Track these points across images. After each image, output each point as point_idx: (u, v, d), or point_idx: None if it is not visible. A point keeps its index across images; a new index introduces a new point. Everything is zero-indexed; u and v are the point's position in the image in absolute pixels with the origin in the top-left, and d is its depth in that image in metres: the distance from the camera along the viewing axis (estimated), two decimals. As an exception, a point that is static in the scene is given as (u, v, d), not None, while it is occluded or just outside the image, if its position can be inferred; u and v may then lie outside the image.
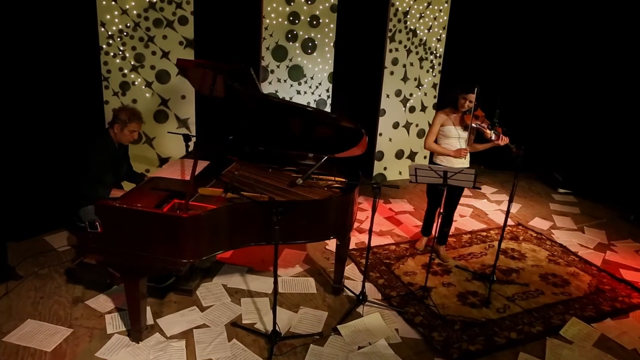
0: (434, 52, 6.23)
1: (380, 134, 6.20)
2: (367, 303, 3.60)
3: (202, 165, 3.58)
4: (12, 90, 3.99)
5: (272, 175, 3.63)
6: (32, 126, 4.19)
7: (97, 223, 2.78)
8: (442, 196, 4.25)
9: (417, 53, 6.11)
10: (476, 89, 3.81)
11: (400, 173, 6.52)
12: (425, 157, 6.64)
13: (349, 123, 3.35)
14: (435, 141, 4.17)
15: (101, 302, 3.47)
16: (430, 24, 6.09)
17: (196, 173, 2.87)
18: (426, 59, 6.21)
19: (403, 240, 4.81)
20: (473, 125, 3.92)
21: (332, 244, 4.57)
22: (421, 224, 5.08)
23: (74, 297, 3.52)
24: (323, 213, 3.20)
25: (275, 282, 3.04)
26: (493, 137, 3.88)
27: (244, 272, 4.00)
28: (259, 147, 3.68)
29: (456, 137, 4.08)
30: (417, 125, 6.40)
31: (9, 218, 4.08)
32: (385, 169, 6.44)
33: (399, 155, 6.47)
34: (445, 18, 6.14)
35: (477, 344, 3.26)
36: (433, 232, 4.42)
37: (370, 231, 3.42)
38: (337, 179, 3.64)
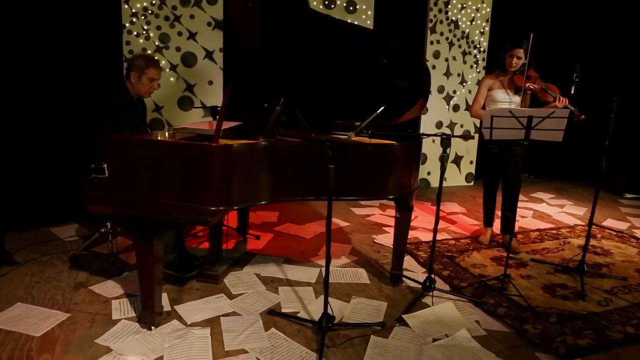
0: (478, 45, 5.75)
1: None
2: (435, 293, 2.89)
3: (232, 124, 3.02)
4: (24, 73, 3.60)
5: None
6: (42, 113, 3.76)
7: (104, 166, 2.21)
8: (500, 173, 3.66)
9: (459, 46, 5.64)
10: (526, 44, 3.29)
11: (445, 179, 5.86)
12: (471, 162, 6.01)
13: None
14: (483, 108, 3.63)
15: (108, 288, 2.84)
16: (473, 15, 5.65)
17: (227, 127, 2.31)
18: (469, 53, 5.73)
19: (462, 236, 4.12)
20: (530, 86, 3.38)
21: (380, 238, 3.92)
22: (478, 223, 4.44)
23: (76, 283, 2.90)
24: (385, 163, 2.57)
25: (328, 251, 2.38)
26: (552, 100, 3.37)
27: (280, 262, 3.34)
28: (299, 114, 3.05)
29: (507, 102, 3.56)
30: (462, 126, 5.82)
31: (11, 208, 3.58)
32: (428, 173, 5.81)
33: (443, 158, 5.86)
34: (488, 10, 5.71)
35: (587, 338, 2.51)
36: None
37: (438, 196, 2.78)
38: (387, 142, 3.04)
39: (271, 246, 3.65)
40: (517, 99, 3.55)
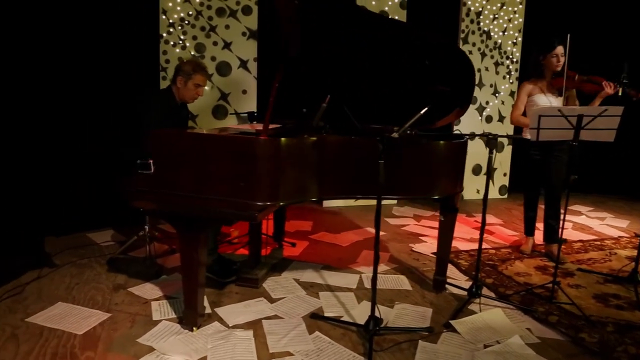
0: (510, 56, 5.69)
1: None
2: (482, 300, 2.78)
3: (272, 126, 3.00)
4: (65, 85, 3.68)
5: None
6: (81, 120, 3.82)
7: (150, 162, 2.20)
8: (541, 180, 3.56)
9: (492, 57, 5.58)
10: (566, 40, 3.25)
11: (478, 191, 5.74)
12: (505, 174, 5.87)
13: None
14: (524, 115, 3.56)
15: (147, 290, 2.81)
16: (505, 25, 5.60)
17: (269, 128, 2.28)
18: (502, 63, 5.66)
19: (502, 246, 3.98)
20: (572, 84, 3.34)
21: (418, 247, 3.82)
22: (516, 234, 4.31)
23: (115, 284, 2.87)
24: (434, 161, 2.50)
25: (377, 248, 2.30)
26: (599, 88, 3.32)
27: (319, 268, 3.26)
28: (347, 110, 2.98)
29: (548, 106, 3.45)
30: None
31: (50, 213, 3.62)
32: (461, 185, 5.70)
33: (476, 170, 5.74)
34: (520, 20, 5.66)
35: (649, 348, 2.37)
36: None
37: (485, 198, 2.70)
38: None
39: (308, 253, 3.58)
40: (558, 101, 3.46)
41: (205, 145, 2.08)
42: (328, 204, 5.12)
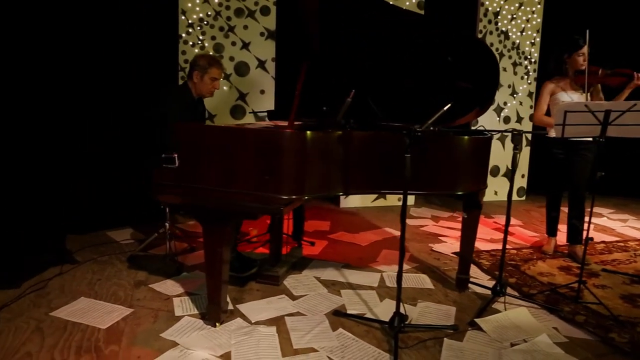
0: (528, 56, 5.63)
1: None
2: (507, 299, 2.73)
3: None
4: (85, 81, 3.72)
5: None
6: (100, 122, 3.85)
7: (175, 156, 2.20)
8: (565, 179, 3.50)
9: (510, 57, 5.53)
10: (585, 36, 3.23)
11: (495, 193, 5.67)
12: (523, 176, 5.80)
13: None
14: (547, 114, 3.52)
15: (168, 286, 2.80)
16: (523, 26, 5.55)
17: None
18: (520, 64, 5.61)
19: (523, 246, 3.93)
20: (597, 79, 3.30)
21: (438, 247, 3.78)
22: (537, 235, 4.24)
23: (136, 281, 2.87)
24: (458, 155, 2.47)
25: (402, 242, 2.27)
26: (626, 80, 3.28)
27: (339, 267, 3.24)
28: (371, 103, 2.94)
29: None
30: (513, 138, 5.66)
31: (71, 211, 3.65)
32: (478, 187, 5.64)
33: (494, 172, 5.67)
34: (538, 20, 5.60)
35: (682, 348, 2.30)
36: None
37: (509, 195, 2.66)
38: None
39: (327, 252, 3.56)
40: (582, 99, 3.41)
41: (231, 138, 2.08)
42: (345, 204, 5.09)
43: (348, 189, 2.28)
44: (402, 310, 2.28)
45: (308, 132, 2.08)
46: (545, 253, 3.68)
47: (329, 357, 2.10)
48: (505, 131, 2.68)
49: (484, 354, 2.20)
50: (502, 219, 4.82)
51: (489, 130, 2.69)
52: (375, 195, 5.14)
